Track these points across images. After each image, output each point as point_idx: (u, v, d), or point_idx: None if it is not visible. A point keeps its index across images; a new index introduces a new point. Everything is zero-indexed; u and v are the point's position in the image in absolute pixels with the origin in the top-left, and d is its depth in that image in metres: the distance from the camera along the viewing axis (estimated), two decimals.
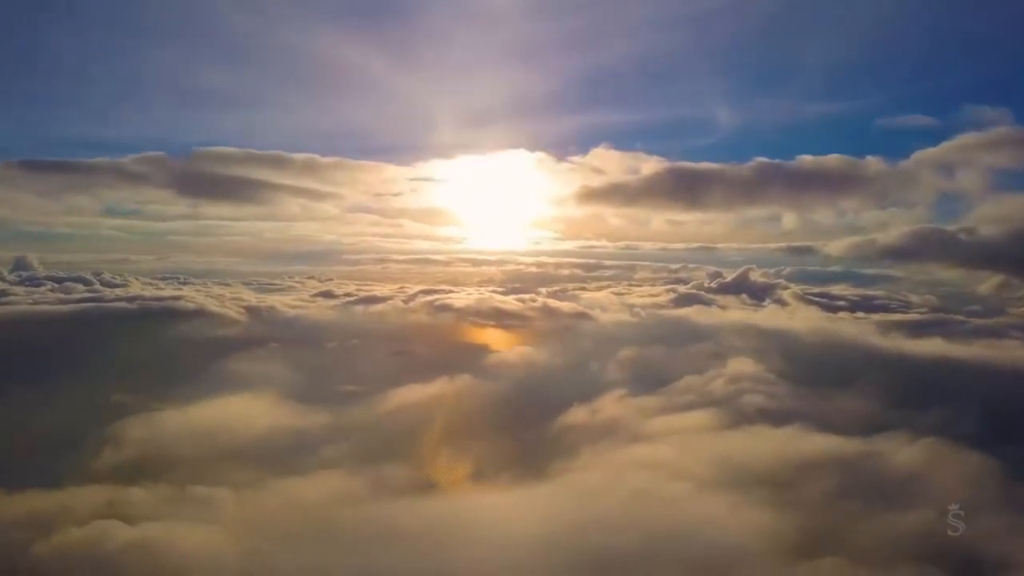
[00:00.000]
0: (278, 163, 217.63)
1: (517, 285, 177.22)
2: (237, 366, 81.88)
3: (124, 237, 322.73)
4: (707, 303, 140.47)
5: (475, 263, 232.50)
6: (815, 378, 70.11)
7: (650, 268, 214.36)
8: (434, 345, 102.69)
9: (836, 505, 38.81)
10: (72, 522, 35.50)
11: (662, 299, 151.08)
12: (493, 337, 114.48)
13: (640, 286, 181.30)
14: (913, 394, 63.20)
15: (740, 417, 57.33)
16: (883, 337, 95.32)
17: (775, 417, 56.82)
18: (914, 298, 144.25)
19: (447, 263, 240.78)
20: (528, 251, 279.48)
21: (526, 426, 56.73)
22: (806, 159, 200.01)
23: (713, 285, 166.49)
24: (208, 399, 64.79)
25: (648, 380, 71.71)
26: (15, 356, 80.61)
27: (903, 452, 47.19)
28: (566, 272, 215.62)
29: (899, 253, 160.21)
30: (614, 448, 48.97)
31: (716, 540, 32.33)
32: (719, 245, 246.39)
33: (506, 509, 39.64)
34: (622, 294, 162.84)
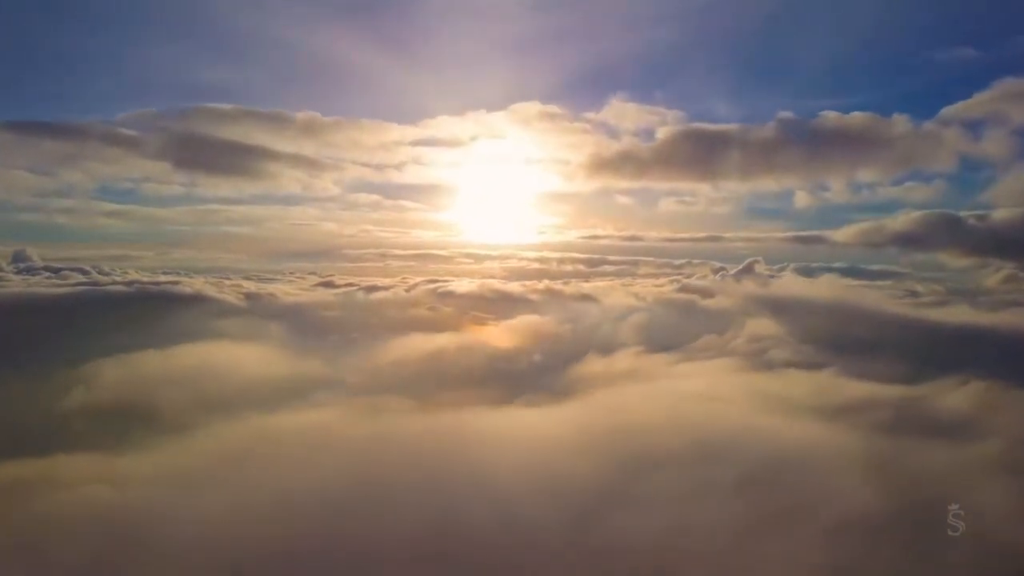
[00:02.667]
0: (277, 122, 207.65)
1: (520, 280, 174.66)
2: (235, 340, 78.71)
3: (122, 229, 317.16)
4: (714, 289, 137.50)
5: (477, 258, 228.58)
6: (841, 339, 66.11)
7: (654, 264, 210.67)
8: (439, 320, 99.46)
9: (889, 435, 35.28)
10: (61, 489, 32.63)
11: (666, 289, 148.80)
12: (499, 313, 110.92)
13: (644, 279, 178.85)
14: (947, 352, 59.50)
15: (769, 365, 53.54)
16: (904, 307, 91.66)
17: (806, 367, 53.06)
18: (920, 288, 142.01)
19: (448, 258, 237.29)
20: (531, 244, 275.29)
21: (540, 372, 53.23)
22: (830, 115, 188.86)
23: (717, 277, 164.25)
24: (203, 368, 61.76)
25: (664, 340, 67.75)
26: (7, 336, 77.57)
27: (954, 394, 43.85)
28: (569, 268, 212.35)
29: (908, 239, 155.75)
30: (638, 384, 45.22)
31: (763, 452, 28.81)
32: (726, 235, 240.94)
33: (535, 425, 36.30)
34: (627, 285, 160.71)
